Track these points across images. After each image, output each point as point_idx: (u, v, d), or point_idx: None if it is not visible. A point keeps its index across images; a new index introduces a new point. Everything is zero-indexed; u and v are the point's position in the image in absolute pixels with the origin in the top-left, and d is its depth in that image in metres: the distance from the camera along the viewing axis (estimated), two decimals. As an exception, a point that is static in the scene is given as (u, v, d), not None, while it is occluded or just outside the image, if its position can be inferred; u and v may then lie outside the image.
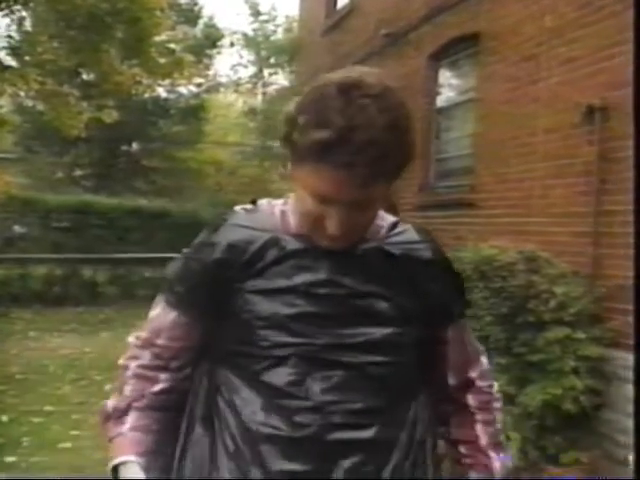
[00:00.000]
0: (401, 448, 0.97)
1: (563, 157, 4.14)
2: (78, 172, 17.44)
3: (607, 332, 3.60)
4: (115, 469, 1.01)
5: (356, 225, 0.95)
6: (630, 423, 3.39)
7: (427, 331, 1.05)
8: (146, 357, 1.05)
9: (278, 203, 1.05)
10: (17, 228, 10.46)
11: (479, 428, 1.09)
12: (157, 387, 1.04)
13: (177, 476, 1.00)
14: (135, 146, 18.30)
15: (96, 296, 9.51)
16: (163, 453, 1.03)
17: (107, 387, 4.98)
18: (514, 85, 4.72)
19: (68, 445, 3.67)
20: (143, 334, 1.07)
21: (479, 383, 1.11)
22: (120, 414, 1.04)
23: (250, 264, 0.97)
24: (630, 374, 3.44)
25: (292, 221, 1.01)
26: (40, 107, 10.38)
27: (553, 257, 3.81)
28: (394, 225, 1.06)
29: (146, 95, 14.53)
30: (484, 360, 1.15)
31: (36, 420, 4.08)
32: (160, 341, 1.04)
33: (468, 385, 1.11)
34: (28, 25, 9.17)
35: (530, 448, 3.28)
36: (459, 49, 5.68)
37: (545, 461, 3.31)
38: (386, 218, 1.07)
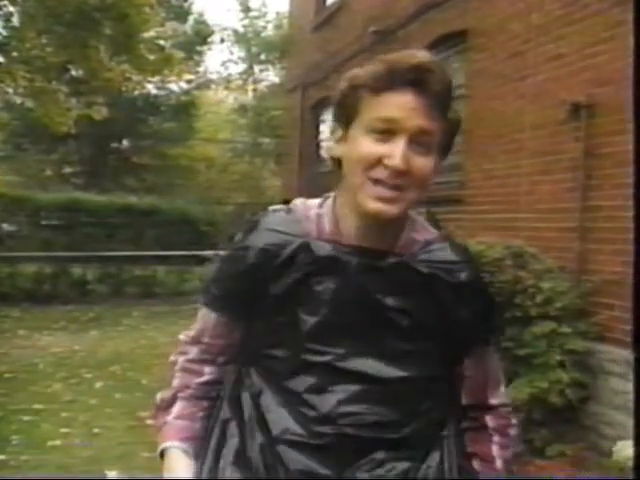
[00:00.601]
0: (419, 465, 0.97)
1: (550, 153, 4.18)
2: (67, 169, 17.35)
3: (593, 326, 3.64)
4: (162, 455, 1.05)
5: (414, 176, 0.91)
6: (616, 415, 3.44)
7: (451, 351, 1.03)
8: (193, 352, 1.08)
9: (314, 205, 1.02)
10: (6, 226, 10.39)
11: (495, 449, 1.05)
12: (202, 379, 1.07)
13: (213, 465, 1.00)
14: (125, 143, 18.23)
15: (86, 294, 9.48)
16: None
17: (97, 385, 4.99)
18: (502, 82, 4.75)
19: (58, 443, 3.66)
20: (191, 332, 1.10)
21: (499, 408, 1.09)
22: (167, 405, 1.07)
23: (281, 269, 0.97)
24: (615, 367, 3.49)
25: (327, 226, 0.99)
26: (29, 104, 10.31)
27: (540, 252, 3.85)
28: (430, 242, 1.02)
29: (136, 92, 14.47)
30: (503, 389, 1.11)
31: (26, 418, 4.07)
32: (205, 339, 1.07)
33: (488, 407, 1.08)
34: (16, 21, 9.09)
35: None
36: (447, 46, 5.70)
37: (531, 454, 3.35)
38: (423, 232, 1.04)
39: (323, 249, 0.96)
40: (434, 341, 0.99)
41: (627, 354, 3.43)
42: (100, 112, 9.79)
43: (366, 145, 0.91)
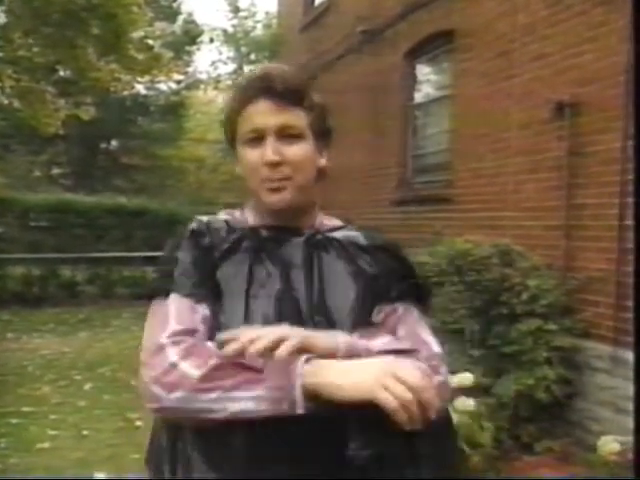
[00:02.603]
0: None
1: (535, 152, 4.22)
2: (56, 170, 17.24)
3: (578, 323, 3.68)
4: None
5: (292, 163, 1.02)
6: (601, 411, 3.48)
7: (376, 308, 1.05)
8: (188, 341, 0.95)
9: (235, 211, 1.14)
10: (-6, 228, 10.31)
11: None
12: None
13: None
14: (114, 144, 18.15)
15: (75, 295, 9.42)
16: None
17: (86, 386, 4.97)
18: (488, 81, 4.79)
19: (46, 445, 3.65)
20: (166, 331, 0.96)
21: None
22: (211, 376, 0.88)
23: (228, 253, 1.03)
24: (600, 363, 3.53)
25: (251, 222, 1.09)
26: (16, 104, 10.22)
27: (526, 250, 3.89)
28: (342, 226, 1.14)
29: (125, 92, 14.41)
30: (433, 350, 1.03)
31: (14, 421, 4.05)
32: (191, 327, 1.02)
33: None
34: (1, 21, 9.02)
35: (505, 437, 3.35)
36: (435, 46, 5.73)
37: (519, 450, 3.38)
38: (335, 221, 1.15)
39: (262, 232, 1.06)
40: (358, 302, 1.02)
41: (612, 350, 3.47)
42: (88, 112, 9.74)
43: (247, 155, 1.05)
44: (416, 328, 1.04)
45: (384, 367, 0.84)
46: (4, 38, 8.60)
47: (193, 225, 1.07)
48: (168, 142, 17.11)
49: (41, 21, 8.41)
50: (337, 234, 1.10)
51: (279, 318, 0.96)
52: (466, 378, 2.98)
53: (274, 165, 1.01)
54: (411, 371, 0.84)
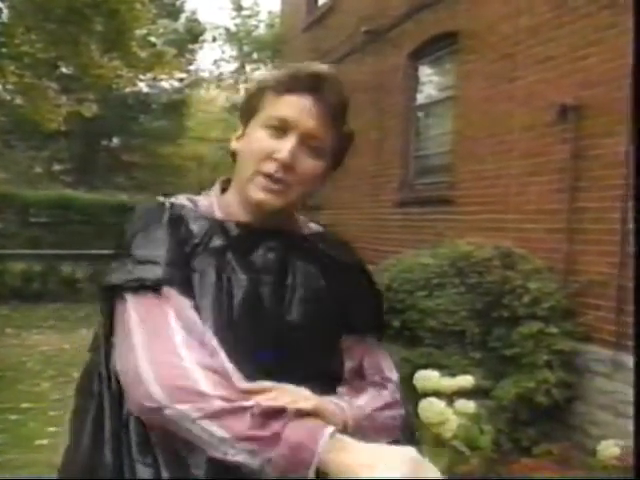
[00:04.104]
0: None
1: (538, 155, 4.21)
2: (57, 167, 17.24)
3: (579, 327, 3.67)
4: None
5: (299, 174, 0.94)
6: (601, 415, 3.48)
7: (343, 336, 1.01)
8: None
9: (199, 199, 1.03)
10: (-6, 223, 10.31)
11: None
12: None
13: None
14: (115, 141, 18.14)
15: (75, 292, 9.41)
16: None
17: (85, 383, 4.96)
18: (491, 83, 4.78)
19: (44, 442, 3.64)
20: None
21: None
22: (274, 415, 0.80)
23: (196, 247, 0.93)
24: (601, 367, 3.53)
25: (217, 214, 0.99)
26: (18, 100, 10.22)
27: (528, 253, 3.88)
28: (316, 232, 1.09)
29: (127, 90, 14.40)
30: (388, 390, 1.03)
31: (13, 417, 4.04)
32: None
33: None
34: (4, 17, 9.02)
35: (504, 440, 3.34)
36: (438, 47, 5.73)
37: (518, 453, 3.37)
38: (310, 226, 1.10)
39: (232, 229, 0.96)
40: (324, 317, 0.97)
41: (612, 354, 3.46)
42: (90, 109, 9.73)
43: (260, 139, 0.96)
44: (380, 361, 1.04)
45: (410, 464, 0.77)
46: (7, 34, 8.59)
47: (167, 207, 0.96)
48: (169, 140, 17.11)
49: (44, 17, 8.40)
50: (313, 243, 1.03)
51: (242, 330, 0.89)
52: (466, 380, 2.97)
53: (283, 166, 0.93)
54: (434, 474, 0.80)
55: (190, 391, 0.80)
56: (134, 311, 0.88)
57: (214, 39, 17.81)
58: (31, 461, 3.35)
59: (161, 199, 1.00)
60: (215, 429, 0.78)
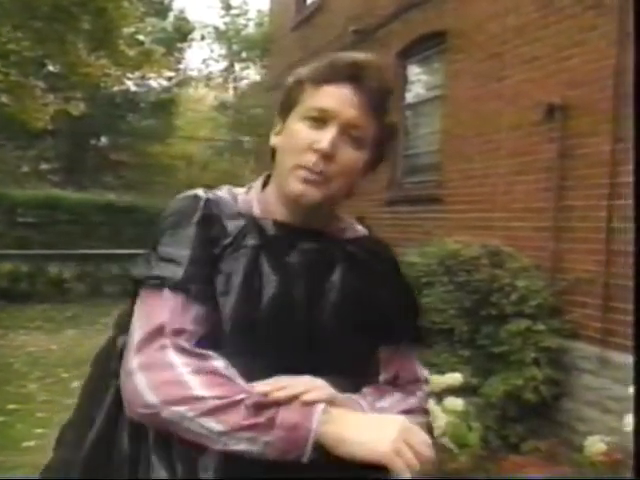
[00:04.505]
0: None
1: (526, 154, 4.24)
2: (44, 166, 17.08)
3: (566, 324, 3.71)
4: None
5: (340, 165, 0.91)
6: (587, 411, 3.51)
7: (380, 346, 1.01)
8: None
9: (240, 191, 1.00)
10: (-20, 223, 10.19)
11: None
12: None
13: None
14: (104, 140, 18.02)
15: (63, 293, 9.34)
16: None
17: (74, 384, 4.92)
18: (479, 82, 4.80)
19: (32, 444, 3.61)
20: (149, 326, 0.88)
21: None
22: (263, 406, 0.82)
23: (228, 246, 0.92)
24: (587, 364, 3.56)
25: (255, 209, 0.97)
26: (4, 99, 10.12)
27: (515, 251, 3.91)
28: (358, 235, 1.05)
29: (115, 88, 14.30)
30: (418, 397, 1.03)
31: (-1, 419, 4.01)
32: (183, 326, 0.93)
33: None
34: (-10, 15, 8.91)
35: (493, 437, 3.37)
36: (427, 46, 5.75)
37: (506, 450, 3.40)
38: (351, 228, 1.05)
39: (269, 228, 0.94)
40: (358, 323, 0.95)
41: (599, 351, 3.50)
42: (78, 107, 9.66)
43: (300, 131, 0.93)
44: (415, 370, 1.04)
45: (399, 430, 0.83)
46: (-7, 32, 8.51)
47: (201, 205, 0.93)
48: (158, 139, 17.02)
49: (30, 15, 8.32)
50: (354, 248, 1.00)
51: (269, 331, 0.88)
52: (455, 378, 2.99)
53: (323, 156, 0.90)
54: (423, 439, 0.85)
55: (185, 396, 0.81)
56: (142, 308, 0.89)
57: (203, 38, 17.74)
58: (19, 463, 3.32)
59: (200, 192, 0.97)
60: (213, 424, 0.80)
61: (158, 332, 0.85)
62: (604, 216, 3.51)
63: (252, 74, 17.55)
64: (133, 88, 16.80)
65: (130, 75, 12.04)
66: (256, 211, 0.96)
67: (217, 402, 0.80)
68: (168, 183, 16.40)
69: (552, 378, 3.56)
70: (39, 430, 3.82)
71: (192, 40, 17.93)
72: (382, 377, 1.00)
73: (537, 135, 4.11)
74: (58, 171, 17.00)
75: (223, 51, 17.53)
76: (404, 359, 1.02)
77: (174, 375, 0.82)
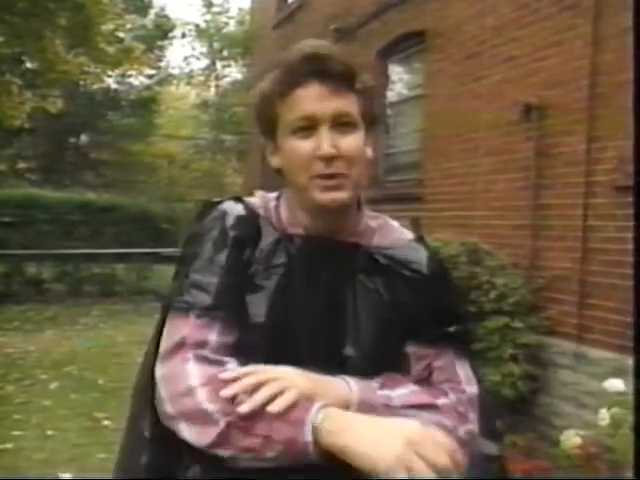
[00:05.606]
0: None
1: (504, 153, 4.29)
2: (22, 165, 16.82)
3: (544, 321, 3.76)
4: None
5: (347, 157, 0.91)
6: (564, 406, 3.57)
7: (414, 348, 0.98)
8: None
9: (272, 197, 1.02)
10: (-44, 223, 10.00)
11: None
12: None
13: None
14: (83, 138, 17.79)
15: (41, 293, 9.21)
16: None
17: (52, 386, 4.86)
18: (458, 82, 4.84)
19: (9, 446, 3.56)
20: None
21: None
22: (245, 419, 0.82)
23: (258, 260, 0.95)
24: (564, 360, 3.62)
25: (284, 217, 0.99)
26: (-21, 97, 9.93)
27: (494, 249, 3.95)
28: (396, 241, 1.02)
29: (95, 86, 14.14)
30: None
31: (-25, 421, 3.95)
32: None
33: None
34: (-35, 10, 8.74)
35: (471, 433, 3.40)
36: (407, 46, 5.78)
37: (485, 445, 3.44)
38: (390, 231, 1.04)
39: (297, 243, 0.96)
40: (391, 333, 0.96)
41: (575, 347, 3.56)
42: (55, 105, 9.51)
43: (296, 147, 0.92)
44: (456, 372, 0.98)
45: (408, 440, 0.77)
46: (-33, 28, 8.35)
47: (232, 223, 0.94)
48: (139, 138, 16.85)
49: (7, 11, 8.18)
50: (385, 253, 0.98)
51: (298, 347, 0.90)
52: (434, 375, 3.02)
53: (329, 159, 0.90)
54: (438, 445, 0.78)
55: (195, 412, 0.83)
56: (168, 327, 0.92)
57: (184, 35, 17.57)
58: (-5, 466, 3.28)
59: (230, 208, 0.97)
60: (222, 451, 0.83)
61: (180, 344, 0.88)
62: (580, 214, 3.57)
63: (234, 72, 17.46)
64: (114, 86, 16.60)
65: (110, 73, 11.87)
66: (286, 222, 0.98)
67: (218, 430, 0.81)
68: (149, 182, 16.25)
69: (530, 374, 3.61)
70: (16, 432, 3.77)
71: (173, 38, 17.77)
72: (414, 372, 0.97)
73: (515, 134, 4.16)
74: (36, 170, 16.75)
75: (204, 49, 17.38)
76: (438, 361, 0.98)
77: (186, 386, 0.84)
